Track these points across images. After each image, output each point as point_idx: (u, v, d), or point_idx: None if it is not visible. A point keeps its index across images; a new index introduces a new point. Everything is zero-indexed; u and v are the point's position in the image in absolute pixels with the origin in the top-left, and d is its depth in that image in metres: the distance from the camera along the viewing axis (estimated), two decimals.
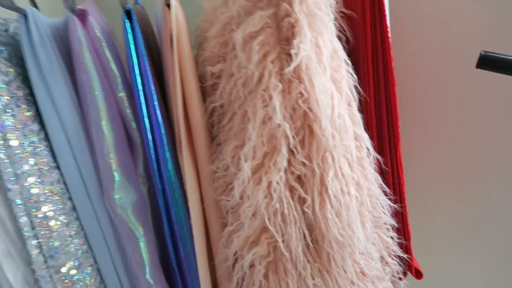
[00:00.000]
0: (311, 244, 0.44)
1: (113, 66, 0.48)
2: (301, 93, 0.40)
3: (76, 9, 0.45)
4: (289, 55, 0.40)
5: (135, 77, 0.48)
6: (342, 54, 0.43)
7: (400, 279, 0.55)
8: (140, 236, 0.52)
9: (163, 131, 0.49)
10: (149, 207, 0.53)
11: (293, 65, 0.38)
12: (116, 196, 0.50)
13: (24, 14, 0.43)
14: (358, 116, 0.45)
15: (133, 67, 0.47)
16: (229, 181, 0.46)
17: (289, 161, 0.42)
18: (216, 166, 0.46)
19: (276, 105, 0.39)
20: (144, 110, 0.49)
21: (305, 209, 0.43)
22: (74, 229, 0.50)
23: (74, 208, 0.50)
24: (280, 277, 0.44)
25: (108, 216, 0.51)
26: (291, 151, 0.42)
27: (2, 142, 0.44)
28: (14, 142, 0.45)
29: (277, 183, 0.42)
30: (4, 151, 0.45)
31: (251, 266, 0.47)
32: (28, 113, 0.47)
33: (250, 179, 0.42)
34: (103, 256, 0.52)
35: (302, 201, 0.43)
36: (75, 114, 0.48)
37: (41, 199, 0.47)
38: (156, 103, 0.49)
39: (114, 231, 0.52)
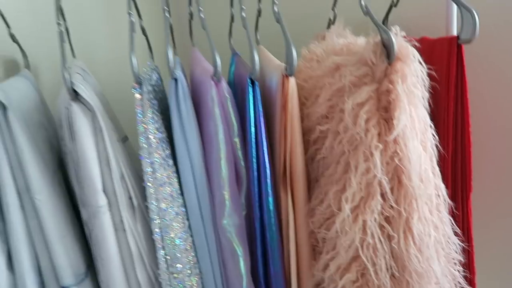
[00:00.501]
0: (396, 273, 0.53)
1: (232, 117, 0.60)
2: (396, 152, 0.50)
3: (212, 77, 0.57)
4: (386, 120, 0.51)
5: (250, 127, 0.59)
6: (428, 120, 0.53)
7: None
8: (241, 254, 0.63)
9: (268, 171, 0.61)
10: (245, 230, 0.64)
11: (394, 134, 0.48)
12: (225, 221, 0.61)
13: (175, 79, 0.56)
14: (437, 169, 0.55)
15: (250, 120, 0.59)
16: (327, 217, 0.56)
17: (381, 205, 0.52)
18: (317, 204, 0.57)
19: (377, 162, 0.49)
20: (254, 153, 0.60)
21: (393, 245, 0.53)
22: (189, 244, 0.62)
23: (190, 227, 0.62)
24: None
25: (215, 236, 0.62)
26: (383, 197, 0.52)
27: (151, 173, 0.57)
28: (158, 175, 0.58)
29: (371, 221, 0.52)
30: (151, 180, 0.57)
31: None
32: (167, 152, 0.59)
33: (349, 217, 0.52)
34: (206, 269, 0.63)
35: (390, 238, 0.53)
36: (200, 154, 0.60)
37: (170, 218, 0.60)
38: (265, 148, 0.60)
39: (218, 249, 0.63)
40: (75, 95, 0.53)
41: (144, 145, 0.56)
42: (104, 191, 0.56)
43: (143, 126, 0.56)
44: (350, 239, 0.53)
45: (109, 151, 0.55)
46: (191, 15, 0.79)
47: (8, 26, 0.63)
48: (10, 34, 0.64)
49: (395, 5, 0.72)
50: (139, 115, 0.56)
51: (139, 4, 0.66)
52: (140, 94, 0.56)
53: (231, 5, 0.75)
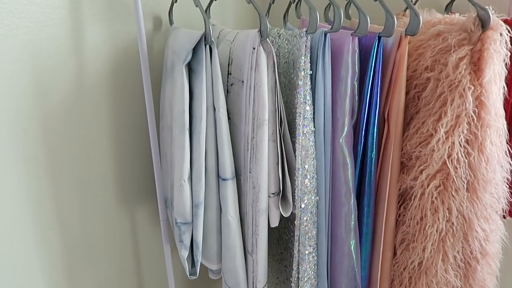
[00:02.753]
0: (470, 179, 0.78)
1: (356, 66, 0.82)
2: (482, 92, 0.74)
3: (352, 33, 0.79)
4: (474, 71, 0.74)
5: (370, 73, 0.82)
6: (503, 74, 0.76)
7: (503, 217, 0.88)
8: (350, 164, 0.85)
9: (378, 106, 0.83)
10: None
11: (485, 79, 0.72)
12: (341, 140, 0.84)
13: (325, 34, 0.78)
14: (502, 110, 0.79)
15: (369, 71, 0.81)
16: (423, 140, 0.80)
17: (466, 130, 0.76)
18: (415, 131, 0.80)
19: (470, 97, 0.73)
20: (368, 92, 0.83)
21: (471, 159, 0.77)
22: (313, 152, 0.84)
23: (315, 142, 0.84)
24: (448, 195, 0.79)
25: (331, 150, 0.85)
26: (468, 124, 0.76)
27: (309, 104, 0.80)
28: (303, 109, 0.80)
29: (458, 141, 0.76)
30: (308, 109, 0.80)
31: (423, 194, 0.81)
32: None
33: (443, 137, 0.76)
34: (321, 175, 0.86)
35: (469, 154, 0.77)
36: (330, 90, 0.83)
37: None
38: (379, 90, 0.83)
39: (330, 161, 0.85)
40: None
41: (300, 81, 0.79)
42: (268, 108, 0.79)
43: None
44: (441, 154, 0.77)
45: (276, 80, 0.78)
46: None
47: None
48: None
49: None
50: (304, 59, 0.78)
51: None
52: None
53: None
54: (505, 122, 0.79)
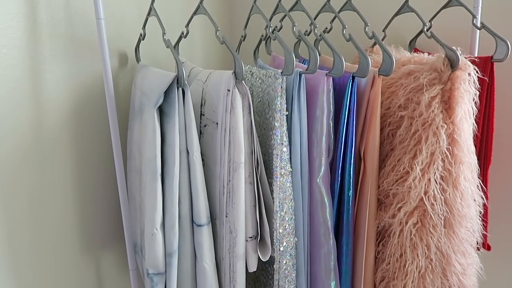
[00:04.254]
0: (447, 215, 0.78)
1: (331, 105, 0.82)
2: (454, 130, 0.75)
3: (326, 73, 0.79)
4: (446, 109, 0.76)
5: (344, 112, 0.82)
6: (472, 111, 0.78)
7: (478, 249, 0.89)
8: (328, 204, 0.84)
9: (353, 146, 0.83)
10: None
11: (457, 118, 0.73)
12: (318, 180, 0.83)
13: (300, 74, 0.77)
14: (473, 146, 0.81)
15: (344, 110, 0.81)
16: (399, 177, 0.80)
17: (440, 167, 0.77)
18: (390, 169, 0.80)
19: (443, 136, 0.74)
20: (344, 132, 0.83)
21: (446, 195, 0.77)
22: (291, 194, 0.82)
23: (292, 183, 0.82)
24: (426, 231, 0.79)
25: (308, 190, 0.83)
26: (442, 161, 0.77)
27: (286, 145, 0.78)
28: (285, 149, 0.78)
29: (433, 179, 0.77)
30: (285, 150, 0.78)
31: (401, 231, 0.81)
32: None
33: (419, 175, 0.77)
34: (298, 215, 0.83)
35: (444, 190, 0.78)
36: (306, 130, 0.81)
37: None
38: (354, 129, 0.82)
39: (308, 201, 0.84)
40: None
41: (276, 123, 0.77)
42: (245, 151, 0.76)
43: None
44: (418, 191, 0.77)
45: (252, 122, 0.75)
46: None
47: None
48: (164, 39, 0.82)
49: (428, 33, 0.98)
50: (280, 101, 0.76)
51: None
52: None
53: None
54: (476, 158, 0.81)
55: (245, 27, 0.93)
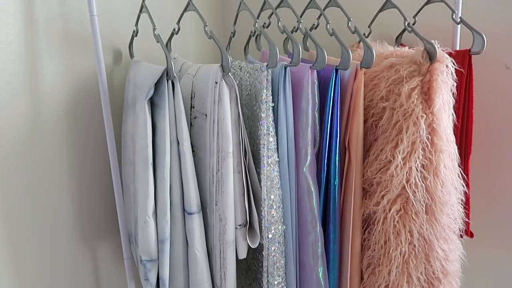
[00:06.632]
0: (428, 202, 0.81)
1: (316, 97, 0.85)
2: (433, 120, 0.78)
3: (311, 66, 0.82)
4: (425, 100, 0.79)
5: (329, 103, 0.85)
6: (451, 102, 0.82)
7: (461, 236, 0.92)
8: (315, 193, 0.86)
9: (338, 136, 0.86)
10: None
11: (436, 108, 0.76)
12: (305, 169, 0.86)
13: (285, 67, 0.80)
14: (453, 136, 0.84)
15: (329, 98, 0.84)
16: (382, 166, 0.83)
17: (421, 156, 0.80)
18: (374, 159, 0.84)
19: (422, 125, 0.77)
20: (329, 122, 0.86)
21: (427, 183, 0.81)
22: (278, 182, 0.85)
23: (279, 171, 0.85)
24: (408, 218, 0.82)
25: (296, 179, 0.86)
26: (423, 150, 0.80)
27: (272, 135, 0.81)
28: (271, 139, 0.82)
29: (414, 167, 0.80)
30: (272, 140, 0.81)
31: (385, 218, 0.84)
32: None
33: (400, 164, 0.80)
34: (286, 203, 0.86)
35: (425, 178, 0.81)
36: (292, 121, 0.85)
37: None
38: (338, 119, 0.86)
39: (295, 189, 0.87)
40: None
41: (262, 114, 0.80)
42: (232, 141, 0.79)
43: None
44: (400, 179, 0.80)
45: (239, 113, 0.79)
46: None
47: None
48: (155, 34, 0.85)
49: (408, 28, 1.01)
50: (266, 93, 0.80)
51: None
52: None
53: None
54: (456, 147, 0.84)
55: (234, 23, 0.97)
